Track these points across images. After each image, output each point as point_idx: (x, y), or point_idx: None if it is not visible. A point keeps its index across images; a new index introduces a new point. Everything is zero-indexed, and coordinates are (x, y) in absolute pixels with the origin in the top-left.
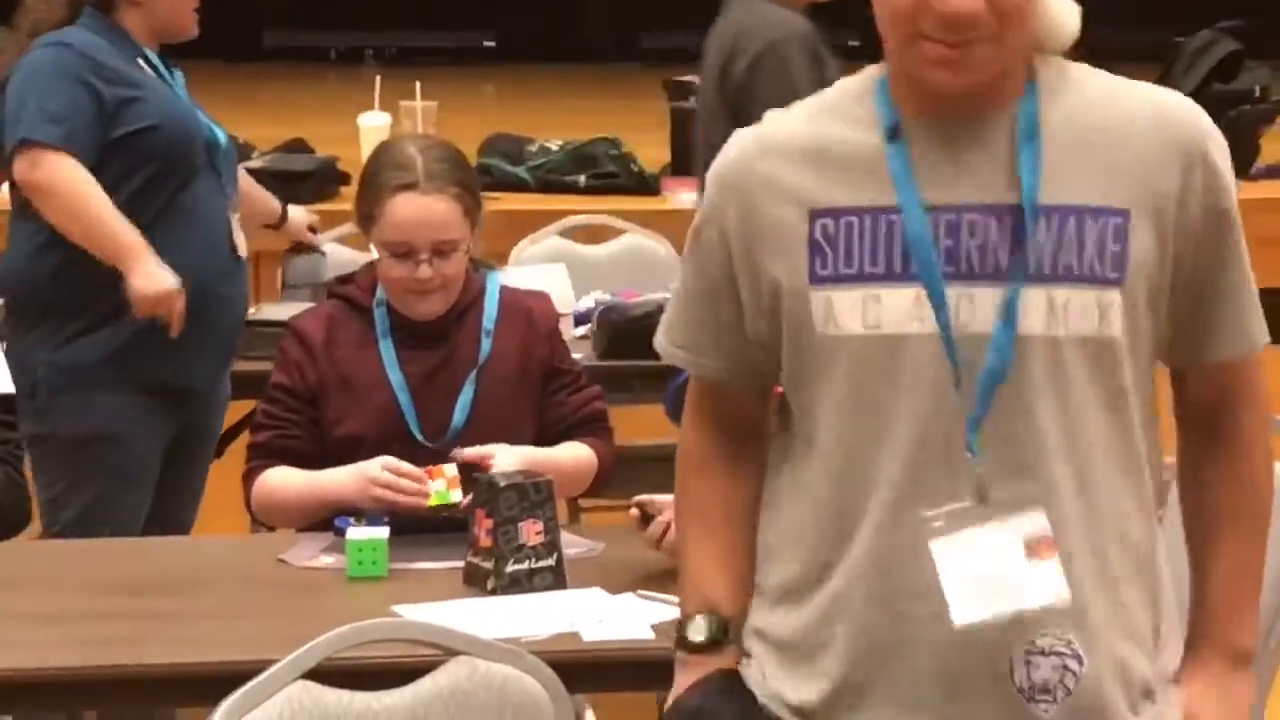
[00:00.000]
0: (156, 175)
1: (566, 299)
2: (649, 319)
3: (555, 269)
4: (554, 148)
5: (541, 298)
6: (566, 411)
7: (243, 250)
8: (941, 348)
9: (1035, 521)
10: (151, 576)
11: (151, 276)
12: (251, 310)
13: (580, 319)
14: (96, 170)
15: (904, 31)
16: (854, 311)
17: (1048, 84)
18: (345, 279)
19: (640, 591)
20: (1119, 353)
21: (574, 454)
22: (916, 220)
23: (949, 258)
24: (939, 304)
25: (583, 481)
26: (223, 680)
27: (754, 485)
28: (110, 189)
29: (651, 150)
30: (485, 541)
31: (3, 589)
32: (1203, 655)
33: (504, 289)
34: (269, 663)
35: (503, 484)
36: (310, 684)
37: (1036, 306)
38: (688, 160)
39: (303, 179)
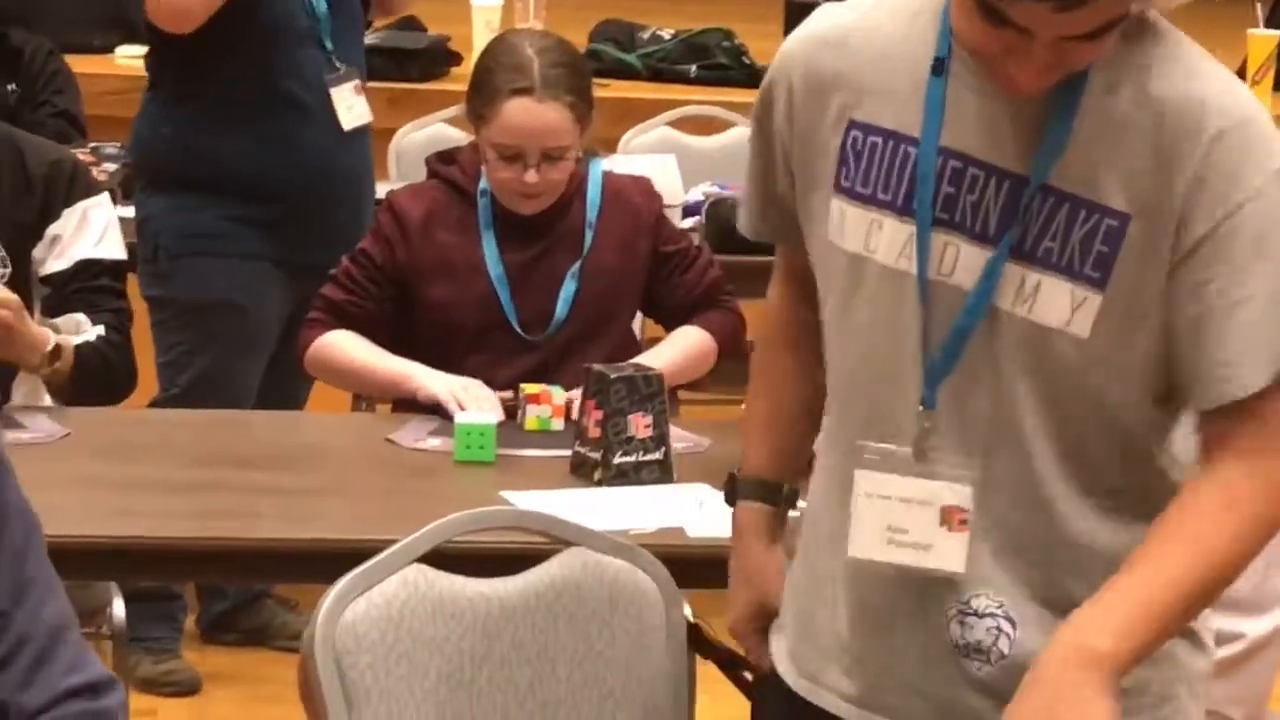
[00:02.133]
0: (256, 45)
1: (675, 190)
2: None
3: (665, 160)
4: (666, 36)
5: (643, 183)
6: (683, 292)
7: (351, 123)
8: (916, 290)
9: (958, 493)
10: (261, 450)
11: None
12: None
13: (689, 210)
14: (205, 33)
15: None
16: (859, 231)
17: (1109, 58)
18: (447, 158)
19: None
20: (1087, 359)
21: (685, 342)
22: (929, 158)
23: (945, 204)
24: (923, 245)
25: (702, 365)
26: (332, 558)
27: (812, 359)
28: (215, 59)
29: (764, 43)
30: (594, 432)
31: (115, 456)
32: (1056, 639)
33: (606, 175)
34: (378, 542)
35: (613, 376)
36: (425, 567)
37: (1010, 282)
38: None
39: (414, 57)
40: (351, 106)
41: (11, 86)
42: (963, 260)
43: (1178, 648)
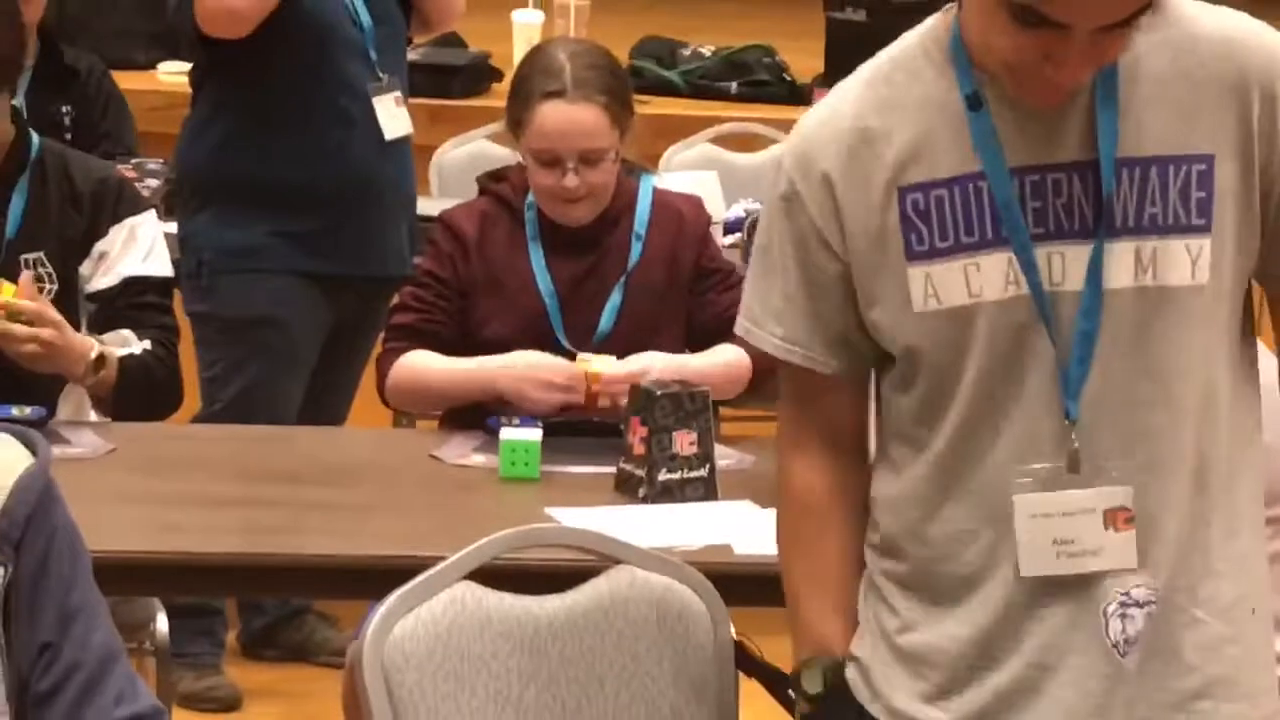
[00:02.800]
0: (302, 56)
1: (717, 207)
2: None
3: (707, 176)
4: (707, 53)
5: (693, 201)
6: (718, 310)
7: (393, 133)
8: (1034, 310)
9: (1118, 494)
10: (305, 466)
11: None
12: None
13: (730, 227)
14: (252, 45)
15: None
16: (957, 283)
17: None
18: (498, 176)
19: None
20: (1209, 300)
21: (725, 359)
22: (1004, 185)
23: (1038, 219)
24: (1029, 267)
25: (737, 385)
26: (377, 574)
27: (861, 522)
28: (262, 71)
29: (805, 60)
30: (639, 449)
31: (159, 472)
32: None
33: (657, 191)
34: (423, 558)
35: (658, 392)
36: (472, 584)
37: (1125, 261)
38: (842, 70)
39: (455, 73)
40: (394, 117)
41: (66, 108)
42: (1070, 264)
43: None
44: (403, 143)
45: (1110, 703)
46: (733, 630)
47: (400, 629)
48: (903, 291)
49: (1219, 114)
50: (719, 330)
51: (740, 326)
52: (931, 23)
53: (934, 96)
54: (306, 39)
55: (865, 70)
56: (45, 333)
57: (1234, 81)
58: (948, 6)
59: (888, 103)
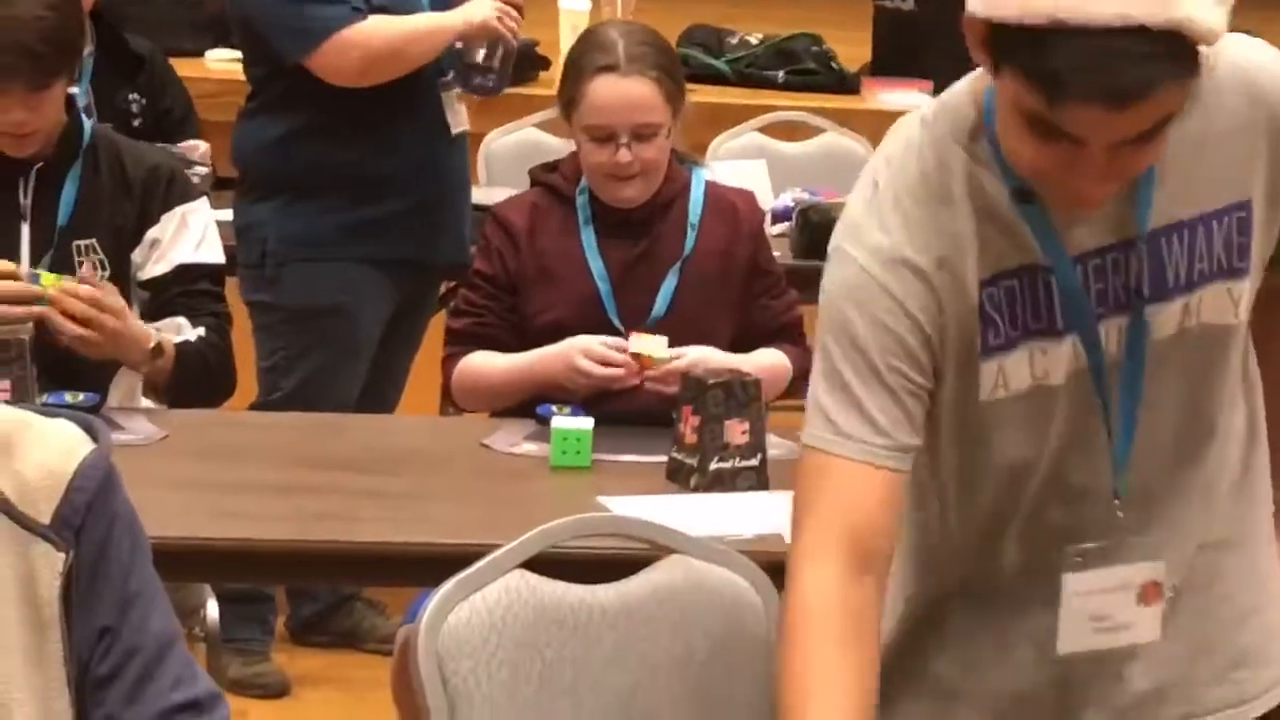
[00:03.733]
0: None
1: (765, 196)
2: None
3: (755, 165)
4: (754, 41)
5: (747, 196)
6: (768, 316)
7: (457, 127)
8: (1092, 384)
9: (1154, 569)
10: (357, 454)
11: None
12: None
13: (778, 216)
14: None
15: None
16: (1022, 369)
17: None
18: (549, 167)
19: None
20: (1241, 334)
21: (771, 361)
22: (1068, 274)
23: (1099, 299)
24: (1093, 345)
25: (777, 387)
26: (430, 562)
27: (874, 650)
28: None
29: (853, 48)
30: (690, 438)
31: (212, 459)
32: None
33: (709, 184)
34: (476, 547)
35: (711, 382)
36: (527, 573)
37: (1171, 314)
38: (890, 60)
39: None
40: (458, 111)
41: (134, 96)
42: (1123, 335)
43: None
44: (463, 138)
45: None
46: None
47: (455, 617)
48: (967, 383)
49: (1252, 159)
50: (768, 335)
51: (817, 438)
52: (954, 111)
53: (979, 203)
54: None
55: (905, 183)
56: (109, 320)
57: (1264, 126)
58: (973, 78)
59: (940, 215)
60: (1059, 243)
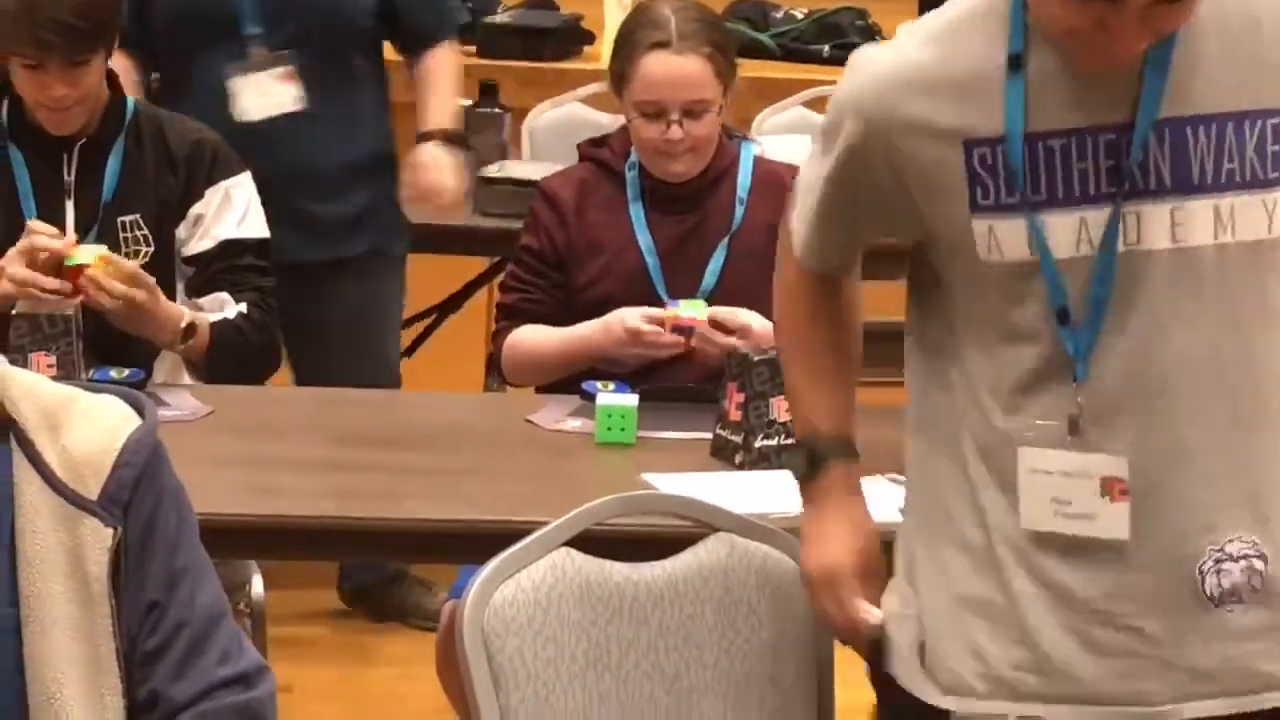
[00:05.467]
0: (169, 31)
1: None
2: None
3: (801, 140)
4: (799, 15)
5: (795, 171)
6: None
7: (252, 116)
8: (1093, 269)
9: (1115, 464)
10: (401, 430)
11: None
12: (494, 167)
13: None
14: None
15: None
16: (1018, 239)
17: None
18: (598, 142)
19: (890, 475)
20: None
21: None
22: (1015, 151)
23: (1082, 181)
24: (1037, 230)
25: None
26: (474, 539)
27: (852, 309)
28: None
29: (897, 22)
30: (735, 415)
31: (257, 435)
32: None
33: (758, 159)
34: (520, 524)
35: (756, 359)
36: (572, 551)
37: (1204, 218)
38: None
39: (546, 36)
40: (269, 94)
41: (155, 75)
42: (1145, 224)
43: None
44: (299, 117)
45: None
46: None
47: (500, 595)
48: (960, 238)
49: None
50: None
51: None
52: None
53: (992, 54)
54: (177, 19)
55: (932, 22)
56: (139, 294)
57: None
58: None
59: (952, 57)
60: (1019, 113)
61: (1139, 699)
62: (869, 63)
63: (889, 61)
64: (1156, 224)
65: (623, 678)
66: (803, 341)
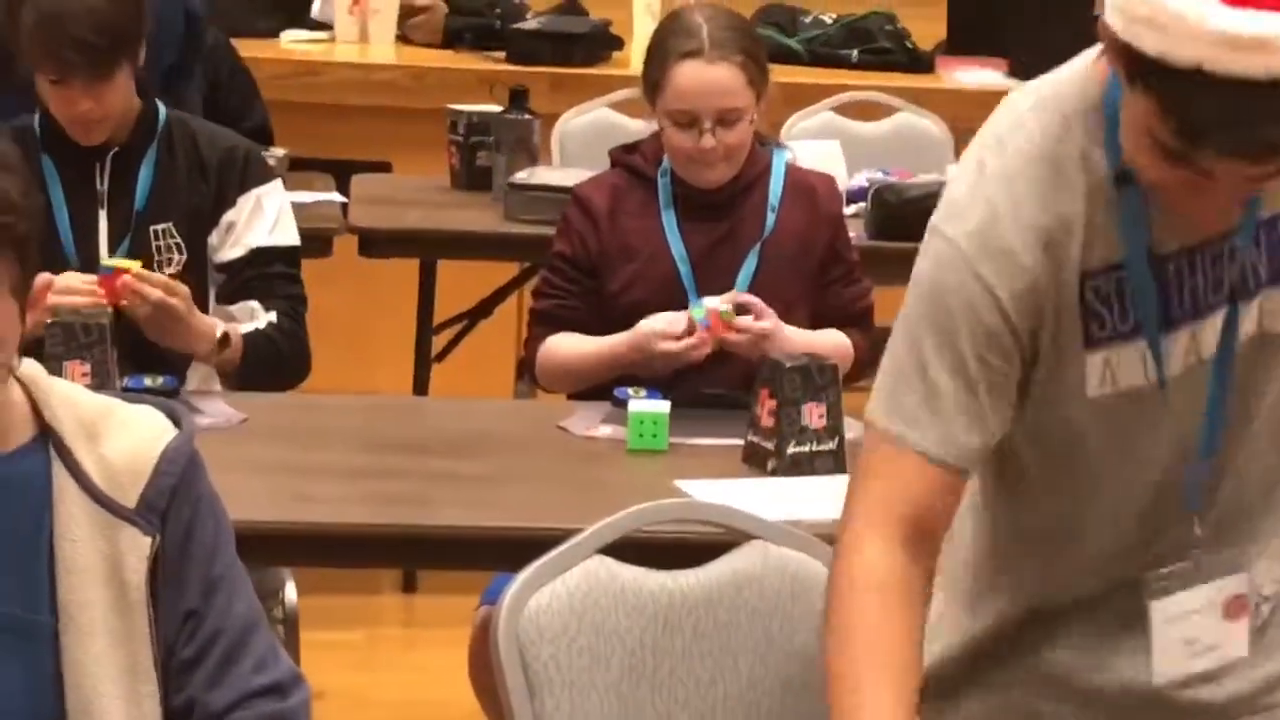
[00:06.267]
0: None
1: (839, 176)
2: (925, 201)
3: (830, 145)
4: (828, 20)
5: (827, 180)
6: (841, 303)
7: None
8: (1210, 378)
9: (1238, 582)
10: (432, 437)
11: None
12: (524, 173)
13: (852, 196)
14: None
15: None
16: (1135, 364)
17: None
18: (629, 148)
19: None
20: None
21: (835, 341)
22: (1141, 272)
23: (1192, 296)
24: (1156, 354)
25: (842, 367)
26: (507, 545)
27: (921, 621)
28: None
29: (927, 26)
30: (767, 422)
31: (291, 442)
32: None
33: (790, 167)
34: (553, 530)
35: (788, 365)
36: (607, 559)
37: (1250, 314)
38: (964, 38)
39: (575, 41)
40: None
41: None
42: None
43: None
44: None
45: None
46: None
47: (535, 602)
48: (1069, 379)
49: None
50: (839, 321)
51: (889, 419)
52: (1072, 88)
53: (1100, 172)
54: None
55: (1017, 164)
56: (174, 301)
57: None
58: (1095, 58)
59: (1057, 186)
60: (1142, 236)
61: None
62: (969, 225)
63: (991, 216)
64: (1248, 320)
65: (657, 685)
66: (872, 620)
